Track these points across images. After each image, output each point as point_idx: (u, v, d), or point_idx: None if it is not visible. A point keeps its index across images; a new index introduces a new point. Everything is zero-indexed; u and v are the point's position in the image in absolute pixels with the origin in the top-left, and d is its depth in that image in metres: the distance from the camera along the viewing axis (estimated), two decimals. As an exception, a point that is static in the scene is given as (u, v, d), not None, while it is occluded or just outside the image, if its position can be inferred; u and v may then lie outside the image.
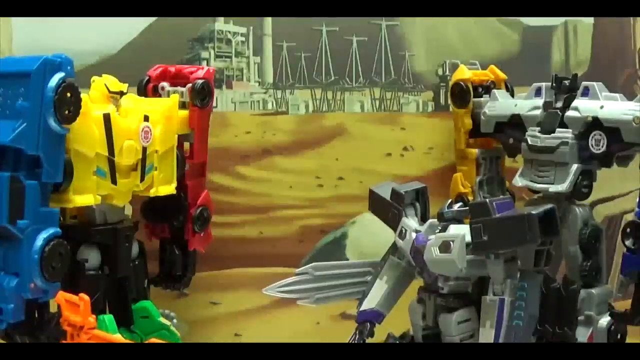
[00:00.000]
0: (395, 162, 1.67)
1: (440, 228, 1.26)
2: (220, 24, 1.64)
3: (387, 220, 1.34)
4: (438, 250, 1.22)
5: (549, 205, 1.17)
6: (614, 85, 1.66)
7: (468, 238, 1.20)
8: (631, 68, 1.72)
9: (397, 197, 1.31)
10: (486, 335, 1.23)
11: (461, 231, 1.22)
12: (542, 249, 1.32)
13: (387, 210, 1.33)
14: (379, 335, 1.35)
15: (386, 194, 1.34)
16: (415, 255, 1.27)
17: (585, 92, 1.36)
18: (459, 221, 1.26)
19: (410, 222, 1.30)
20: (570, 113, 1.36)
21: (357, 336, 1.32)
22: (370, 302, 1.34)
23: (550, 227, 1.16)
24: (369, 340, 1.33)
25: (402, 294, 1.35)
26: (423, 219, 1.31)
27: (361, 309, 1.34)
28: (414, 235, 1.28)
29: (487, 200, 1.21)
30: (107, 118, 1.20)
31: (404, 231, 1.30)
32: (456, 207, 1.27)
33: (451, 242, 1.20)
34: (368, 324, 1.33)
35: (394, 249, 1.34)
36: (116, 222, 1.29)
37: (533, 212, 1.15)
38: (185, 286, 1.47)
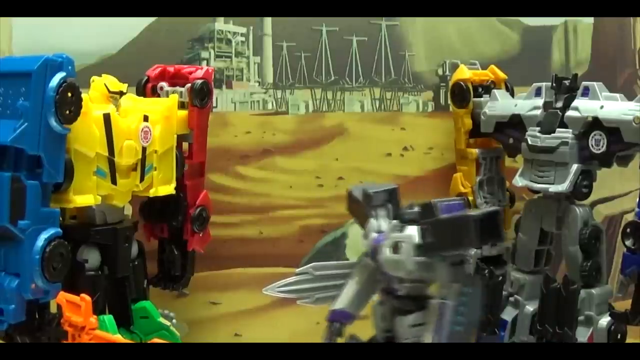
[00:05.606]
0: (395, 162, 1.66)
1: (399, 229, 1.25)
2: (220, 24, 1.64)
3: (360, 221, 1.33)
4: (391, 251, 1.21)
5: (493, 209, 1.17)
6: (614, 85, 1.66)
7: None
8: (631, 68, 1.72)
9: (367, 198, 1.30)
10: (427, 338, 1.21)
11: (413, 232, 1.20)
12: (542, 249, 1.33)
13: (360, 211, 1.32)
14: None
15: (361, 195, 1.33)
16: (374, 255, 1.26)
17: (585, 92, 1.36)
18: (418, 223, 1.24)
19: (375, 222, 1.28)
20: (570, 113, 1.36)
21: (327, 336, 1.31)
22: (340, 302, 1.33)
23: (493, 232, 1.14)
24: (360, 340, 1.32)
25: (372, 295, 1.33)
26: (395, 220, 1.30)
27: (331, 309, 1.33)
28: (374, 235, 1.27)
29: (433, 200, 1.20)
30: (107, 118, 1.20)
31: (368, 231, 1.29)
32: (416, 208, 1.26)
33: (400, 243, 1.20)
34: (337, 324, 1.32)
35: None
36: (116, 222, 1.29)
37: (473, 215, 1.13)
38: (183, 286, 1.47)
